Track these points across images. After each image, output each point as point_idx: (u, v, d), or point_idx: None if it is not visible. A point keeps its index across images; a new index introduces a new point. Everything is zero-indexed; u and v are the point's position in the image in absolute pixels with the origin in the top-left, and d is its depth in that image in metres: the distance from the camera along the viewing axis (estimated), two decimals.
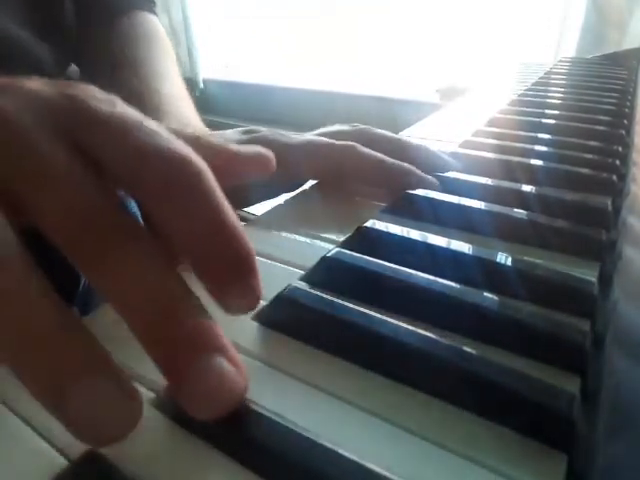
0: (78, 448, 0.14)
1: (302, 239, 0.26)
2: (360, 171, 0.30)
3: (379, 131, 0.33)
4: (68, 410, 0.12)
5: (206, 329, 0.14)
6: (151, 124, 0.15)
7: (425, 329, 0.17)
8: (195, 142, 0.20)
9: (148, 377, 0.16)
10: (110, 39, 0.44)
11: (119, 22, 0.45)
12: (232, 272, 0.15)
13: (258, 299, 0.15)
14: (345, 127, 0.34)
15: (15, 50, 0.33)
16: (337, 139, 0.31)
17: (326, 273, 0.21)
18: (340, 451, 0.13)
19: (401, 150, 0.32)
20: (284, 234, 0.27)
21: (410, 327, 0.17)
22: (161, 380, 0.14)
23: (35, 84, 0.16)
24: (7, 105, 0.15)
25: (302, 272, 0.22)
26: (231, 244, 0.14)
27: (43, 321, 0.12)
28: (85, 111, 0.15)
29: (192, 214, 0.14)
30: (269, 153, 0.24)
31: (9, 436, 0.15)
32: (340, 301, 0.19)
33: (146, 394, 0.16)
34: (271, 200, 0.33)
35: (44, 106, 0.15)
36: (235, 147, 0.24)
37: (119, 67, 0.41)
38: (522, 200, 0.28)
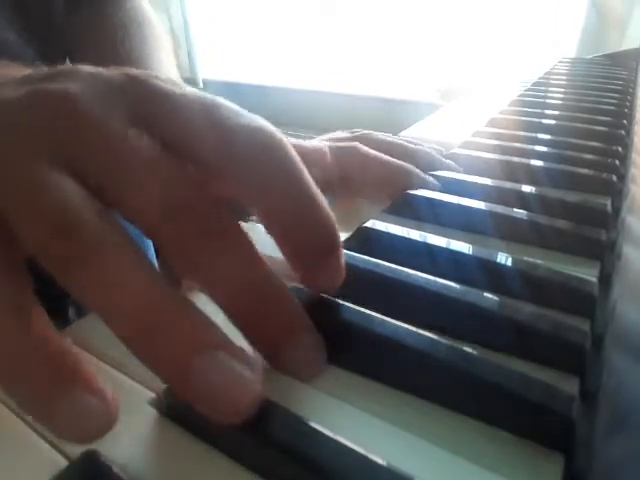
0: (78, 448, 0.14)
1: None
2: (365, 170, 0.30)
3: (378, 135, 0.33)
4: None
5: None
6: (224, 102, 0.15)
7: (424, 330, 0.17)
8: None
9: (148, 377, 0.16)
10: (100, 31, 0.42)
11: (107, 10, 0.43)
12: (322, 246, 0.15)
13: (342, 275, 0.16)
14: (345, 133, 0.34)
15: (2, 55, 0.32)
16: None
17: None
18: (344, 444, 0.13)
19: (401, 152, 0.32)
20: None
21: (410, 327, 0.17)
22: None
23: (93, 68, 0.15)
24: (74, 89, 0.14)
25: None
26: (322, 218, 0.15)
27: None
28: (154, 91, 0.15)
29: (282, 185, 0.15)
30: (325, 148, 0.25)
31: (9, 436, 0.15)
32: (339, 301, 0.19)
33: (146, 394, 0.16)
34: None
35: (111, 89, 0.14)
36: (293, 140, 0.24)
37: (112, 65, 0.40)
38: (522, 200, 0.28)
